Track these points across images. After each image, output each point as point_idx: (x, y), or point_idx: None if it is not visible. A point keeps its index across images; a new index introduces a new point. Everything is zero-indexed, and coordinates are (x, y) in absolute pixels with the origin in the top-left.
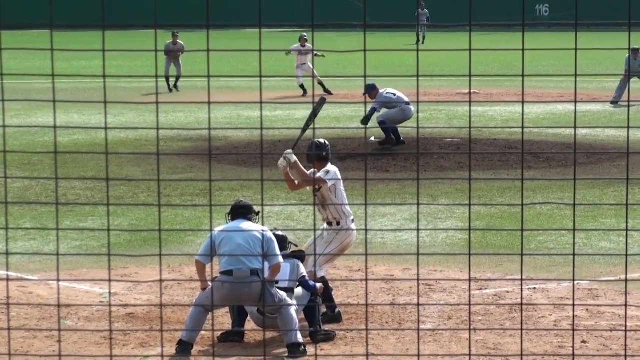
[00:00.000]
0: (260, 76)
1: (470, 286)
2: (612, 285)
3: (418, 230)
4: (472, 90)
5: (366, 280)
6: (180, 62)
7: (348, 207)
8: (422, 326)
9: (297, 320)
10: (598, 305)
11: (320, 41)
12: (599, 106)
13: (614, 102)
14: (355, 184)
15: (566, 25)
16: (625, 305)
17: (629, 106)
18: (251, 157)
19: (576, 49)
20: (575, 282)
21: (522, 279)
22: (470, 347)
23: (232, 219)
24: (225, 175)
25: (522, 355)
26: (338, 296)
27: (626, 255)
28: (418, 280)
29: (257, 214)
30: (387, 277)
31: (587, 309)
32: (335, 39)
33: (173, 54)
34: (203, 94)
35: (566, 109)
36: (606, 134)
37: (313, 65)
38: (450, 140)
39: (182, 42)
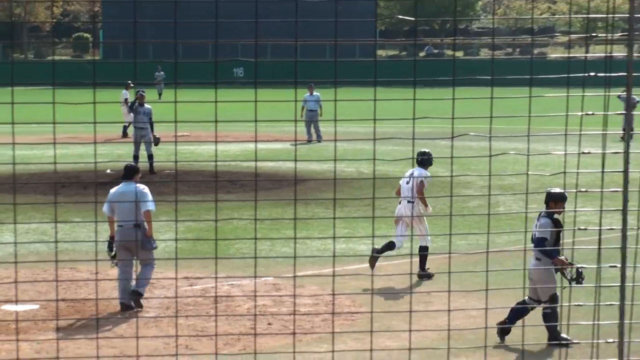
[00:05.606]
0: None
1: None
2: (291, 280)
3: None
4: (183, 133)
5: (95, 281)
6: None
7: None
8: (145, 314)
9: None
10: (280, 296)
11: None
12: (280, 145)
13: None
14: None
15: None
16: (299, 295)
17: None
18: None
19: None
20: (263, 279)
21: (219, 276)
22: (175, 330)
23: (123, 178)
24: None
25: (216, 335)
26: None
27: (294, 257)
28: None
29: (139, 173)
30: None
31: (272, 299)
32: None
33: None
34: None
35: (256, 147)
36: (287, 165)
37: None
38: (169, 171)
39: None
